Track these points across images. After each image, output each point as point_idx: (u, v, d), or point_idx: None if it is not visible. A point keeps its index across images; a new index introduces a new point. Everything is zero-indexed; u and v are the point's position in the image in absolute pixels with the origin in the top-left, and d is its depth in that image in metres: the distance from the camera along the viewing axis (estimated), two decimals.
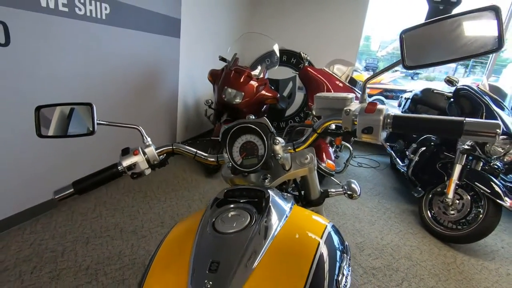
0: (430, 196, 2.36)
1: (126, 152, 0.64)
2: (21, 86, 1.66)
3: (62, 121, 0.62)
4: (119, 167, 0.63)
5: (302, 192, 0.88)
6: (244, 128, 0.63)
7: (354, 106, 0.59)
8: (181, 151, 0.70)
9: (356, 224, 2.32)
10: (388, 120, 0.53)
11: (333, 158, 2.50)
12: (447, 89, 2.74)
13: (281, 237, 0.50)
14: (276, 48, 3.11)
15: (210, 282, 0.42)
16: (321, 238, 0.51)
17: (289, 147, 0.66)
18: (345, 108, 0.58)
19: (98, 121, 0.62)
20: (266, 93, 2.90)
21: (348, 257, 0.55)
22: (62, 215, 2.00)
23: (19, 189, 1.81)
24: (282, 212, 0.56)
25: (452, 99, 2.45)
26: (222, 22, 3.89)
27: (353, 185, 0.87)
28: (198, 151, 0.71)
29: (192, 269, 0.45)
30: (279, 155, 0.65)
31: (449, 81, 2.49)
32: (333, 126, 0.66)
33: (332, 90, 2.48)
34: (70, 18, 1.85)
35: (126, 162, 0.63)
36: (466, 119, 0.47)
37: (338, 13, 4.12)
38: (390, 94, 6.96)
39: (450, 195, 2.11)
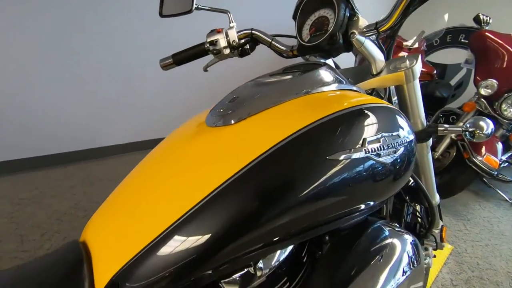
0: None
1: (212, 31, 0.70)
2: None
3: (174, 4, 0.72)
4: (205, 45, 0.70)
5: None
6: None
7: None
8: (258, 36, 0.70)
9: None
10: None
11: (499, 155, 1.84)
12: None
13: (313, 95, 0.44)
14: (445, 17, 2.47)
15: (224, 108, 0.45)
16: (354, 106, 0.40)
17: (371, 28, 0.52)
18: None
19: (195, 4, 0.69)
20: None
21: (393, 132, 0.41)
22: None
23: (137, 125, 2.22)
24: (332, 81, 0.47)
25: None
26: None
27: (481, 122, 0.55)
28: (275, 39, 0.69)
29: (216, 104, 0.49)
30: (355, 35, 0.51)
31: None
32: None
33: None
34: None
35: (209, 38, 0.68)
36: None
37: None
38: None
39: None
